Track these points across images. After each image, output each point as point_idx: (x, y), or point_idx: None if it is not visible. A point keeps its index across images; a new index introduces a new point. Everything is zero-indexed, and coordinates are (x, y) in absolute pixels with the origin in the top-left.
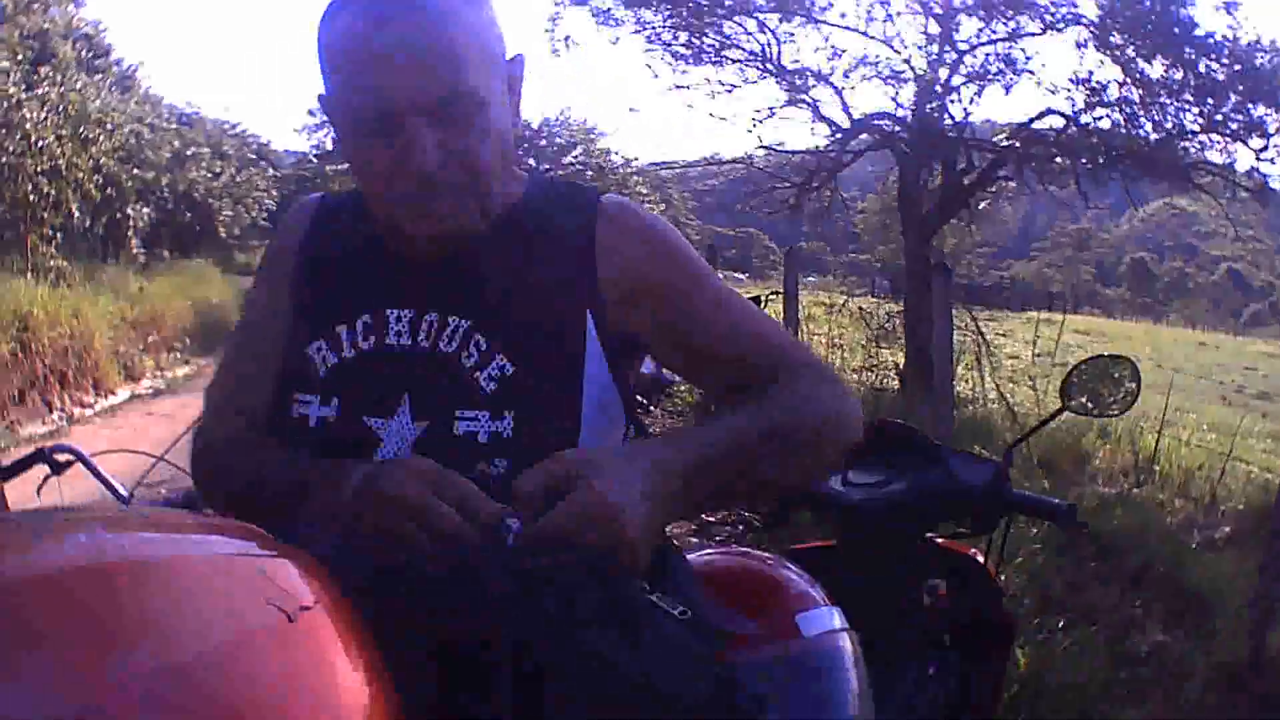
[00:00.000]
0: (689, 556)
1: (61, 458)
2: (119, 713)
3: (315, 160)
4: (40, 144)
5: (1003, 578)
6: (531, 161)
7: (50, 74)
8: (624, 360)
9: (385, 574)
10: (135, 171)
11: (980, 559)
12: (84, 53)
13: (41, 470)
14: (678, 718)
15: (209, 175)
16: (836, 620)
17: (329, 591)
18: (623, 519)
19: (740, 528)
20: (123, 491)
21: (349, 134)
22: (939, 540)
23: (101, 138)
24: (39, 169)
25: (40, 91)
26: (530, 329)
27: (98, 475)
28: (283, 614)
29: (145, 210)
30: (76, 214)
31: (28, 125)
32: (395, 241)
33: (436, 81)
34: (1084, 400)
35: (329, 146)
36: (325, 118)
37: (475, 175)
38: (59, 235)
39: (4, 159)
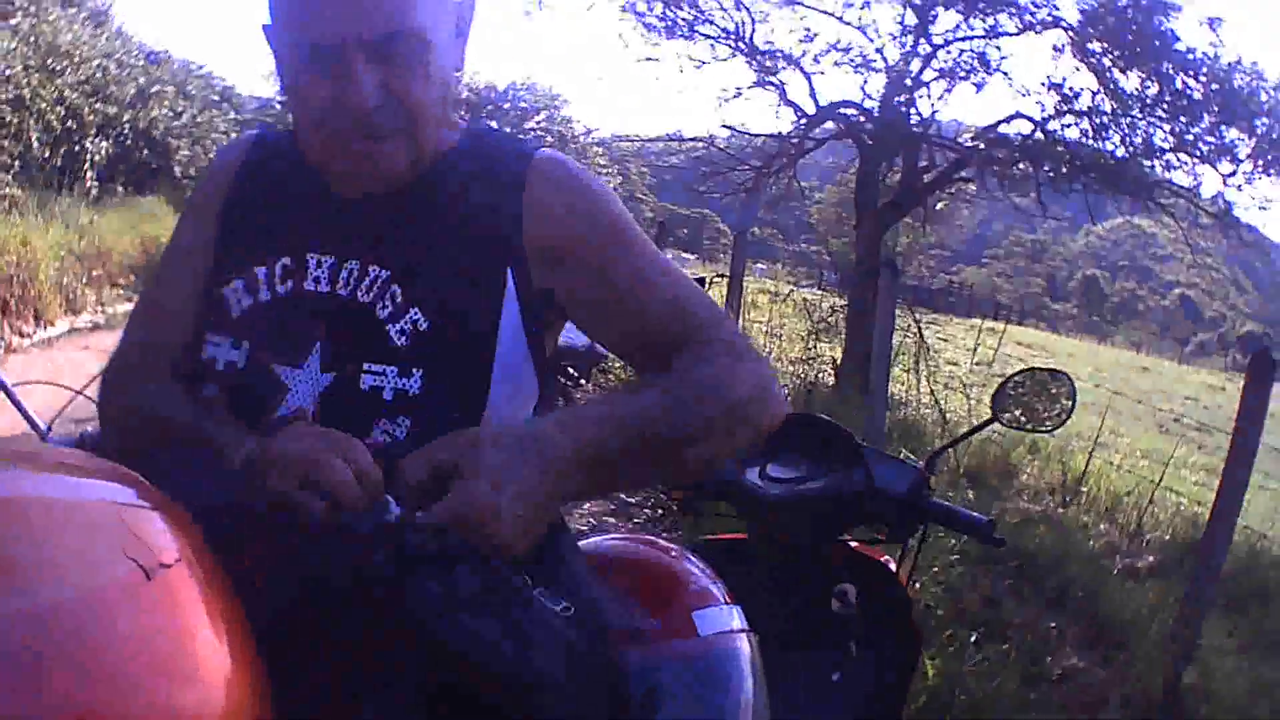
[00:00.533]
0: (589, 542)
1: None
2: None
3: (279, 106)
4: (7, 73)
5: (917, 585)
6: (493, 124)
7: (25, 4)
8: (542, 322)
9: (264, 535)
10: (98, 106)
11: (893, 567)
12: None
13: None
14: (558, 710)
15: (170, 114)
16: (735, 620)
17: (195, 549)
18: (499, 524)
19: (660, 511)
20: (41, 425)
21: (289, 65)
22: (852, 544)
23: (68, 70)
24: (3, 98)
25: (13, 22)
26: (449, 282)
27: (18, 407)
28: (140, 570)
29: (104, 145)
30: (36, 144)
31: None
32: (325, 180)
33: (381, 18)
34: (1016, 412)
35: None
36: (272, 50)
37: (413, 118)
38: (16, 164)
39: None
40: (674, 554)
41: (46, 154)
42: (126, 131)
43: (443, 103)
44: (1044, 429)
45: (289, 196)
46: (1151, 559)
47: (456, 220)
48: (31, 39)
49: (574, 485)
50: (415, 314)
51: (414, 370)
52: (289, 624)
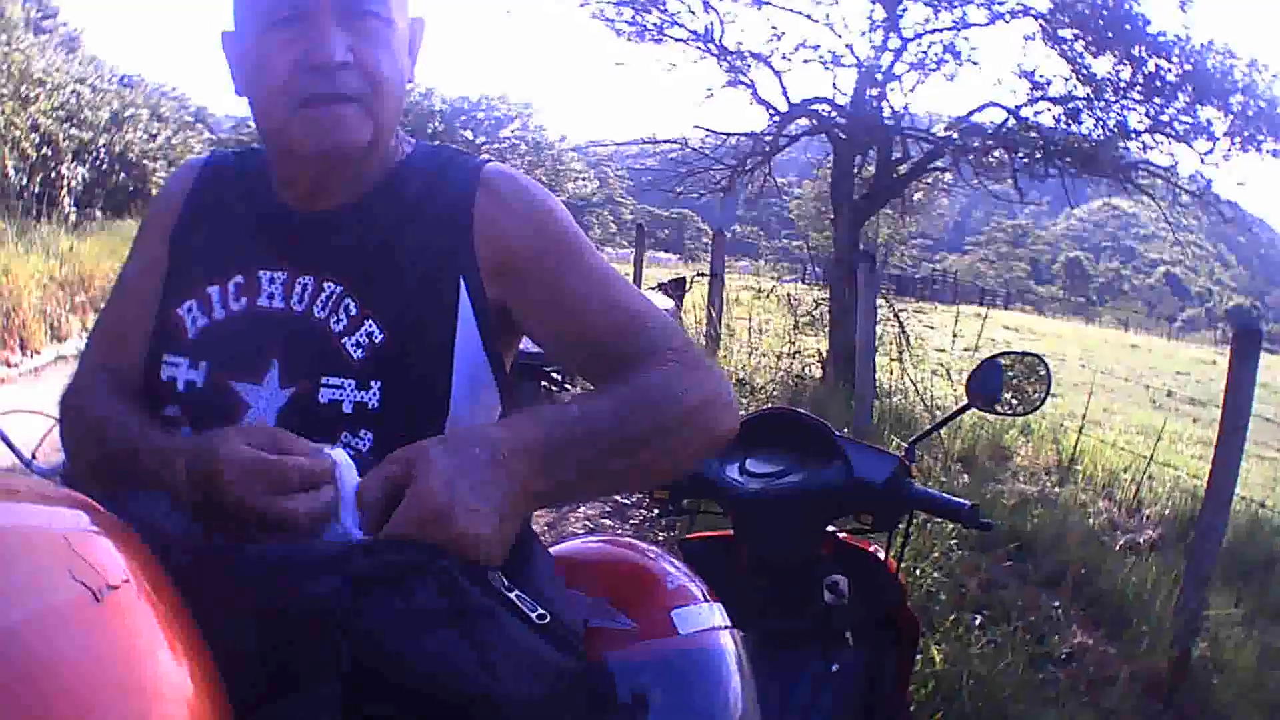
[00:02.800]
0: (561, 547)
1: None
2: None
3: (253, 124)
4: None
5: (917, 572)
6: (469, 134)
7: None
8: (499, 334)
9: (212, 560)
10: (73, 131)
11: (881, 555)
12: (32, 12)
13: None
14: None
15: (145, 136)
16: (717, 617)
17: (145, 569)
18: (454, 514)
19: (655, 511)
20: (25, 454)
21: (255, 31)
22: (839, 534)
23: (41, 97)
24: None
25: None
26: (402, 295)
27: (1, 437)
28: (88, 591)
29: (80, 170)
30: (12, 173)
31: None
32: (276, 194)
33: None
34: (991, 397)
35: None
36: (227, 61)
37: (374, 86)
38: None
39: None
40: (650, 554)
41: (23, 181)
42: (102, 156)
43: (398, 97)
44: (1022, 412)
45: (239, 216)
46: (1151, 533)
47: (408, 234)
48: (3, 67)
49: (528, 483)
50: (370, 326)
51: (372, 383)
52: (245, 655)
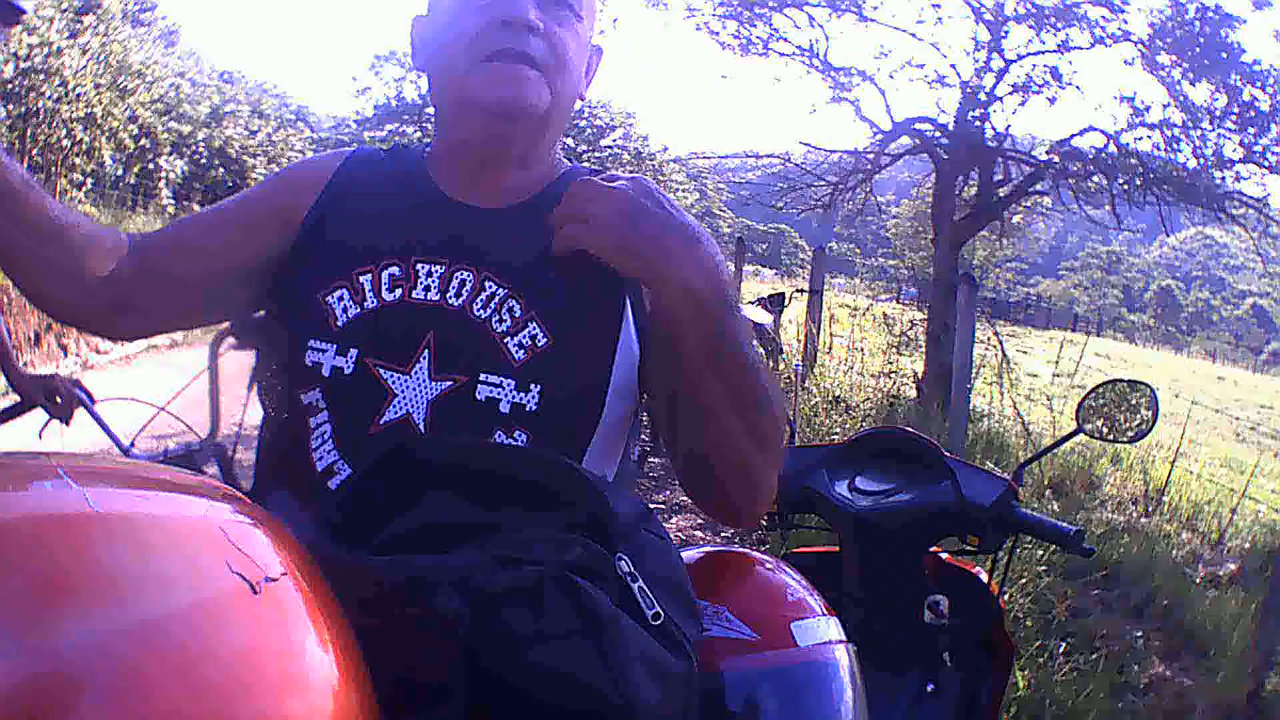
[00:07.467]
0: (687, 552)
1: (69, 406)
2: (71, 670)
3: (355, 125)
4: (78, 91)
5: (1005, 597)
6: (570, 140)
7: (94, 23)
8: (650, 347)
9: (338, 570)
10: (172, 124)
11: (984, 577)
12: (130, 4)
13: (44, 414)
14: None
15: (245, 132)
16: (834, 631)
17: (299, 564)
18: (689, 242)
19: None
20: (123, 442)
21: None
22: (943, 555)
23: (140, 89)
24: (74, 115)
25: (83, 41)
26: (569, 303)
27: (100, 424)
28: (246, 583)
29: (179, 163)
30: (109, 162)
31: (66, 72)
32: (457, 128)
33: None
34: (1099, 424)
35: (369, 113)
36: (411, 43)
37: (558, 59)
38: (90, 182)
39: (40, 104)
40: (769, 565)
41: (120, 172)
42: (201, 150)
43: (574, 88)
44: (1126, 439)
45: (393, 203)
46: (1233, 566)
47: None
48: (102, 57)
49: (714, 319)
50: (534, 329)
51: (532, 385)
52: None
